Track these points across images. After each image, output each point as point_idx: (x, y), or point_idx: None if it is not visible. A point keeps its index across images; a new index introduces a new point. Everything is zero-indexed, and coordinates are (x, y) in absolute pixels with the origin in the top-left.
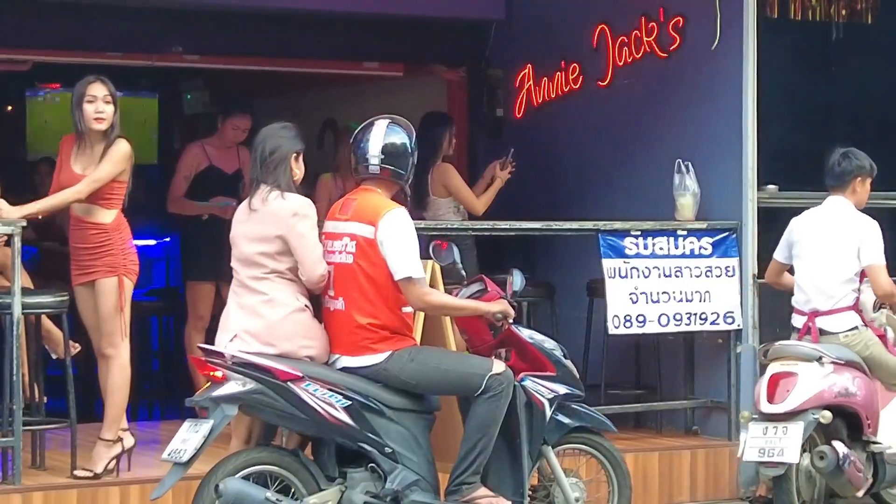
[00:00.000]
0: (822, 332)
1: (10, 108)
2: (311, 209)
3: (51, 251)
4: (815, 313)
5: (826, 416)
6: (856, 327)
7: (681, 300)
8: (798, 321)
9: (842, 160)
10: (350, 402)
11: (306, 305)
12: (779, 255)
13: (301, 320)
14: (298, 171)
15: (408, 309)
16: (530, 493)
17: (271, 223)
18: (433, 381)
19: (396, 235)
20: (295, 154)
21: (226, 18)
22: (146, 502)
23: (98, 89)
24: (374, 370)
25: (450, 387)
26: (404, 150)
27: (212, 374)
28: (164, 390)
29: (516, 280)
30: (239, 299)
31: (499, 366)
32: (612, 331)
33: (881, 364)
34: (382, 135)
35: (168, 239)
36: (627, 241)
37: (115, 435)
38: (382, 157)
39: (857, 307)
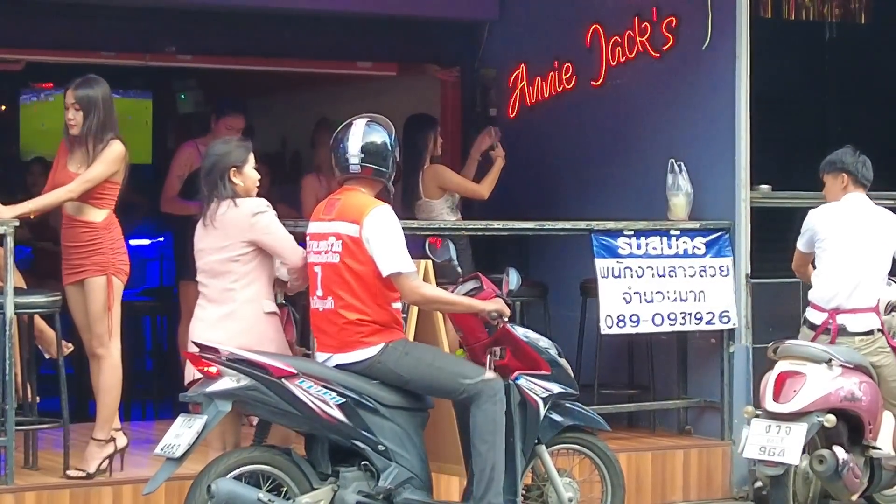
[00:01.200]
0: (841, 330)
1: (2, 107)
2: (267, 206)
3: (45, 251)
4: (836, 311)
5: (830, 420)
6: (872, 331)
7: (675, 300)
8: (817, 317)
9: (867, 161)
10: (344, 400)
11: (273, 312)
12: (802, 246)
13: (260, 330)
14: (242, 182)
15: (397, 305)
16: (524, 492)
17: (232, 231)
18: (426, 378)
19: (381, 232)
20: (234, 168)
21: (219, 18)
22: (139, 502)
23: (68, 96)
24: (368, 364)
25: (441, 386)
26: (384, 148)
27: (206, 369)
28: (158, 390)
29: (512, 279)
30: (203, 312)
31: (490, 373)
32: (604, 330)
33: (888, 379)
34: (361, 134)
35: (161, 238)
36: (621, 241)
37: (108, 435)
38: (363, 156)
39: (877, 308)
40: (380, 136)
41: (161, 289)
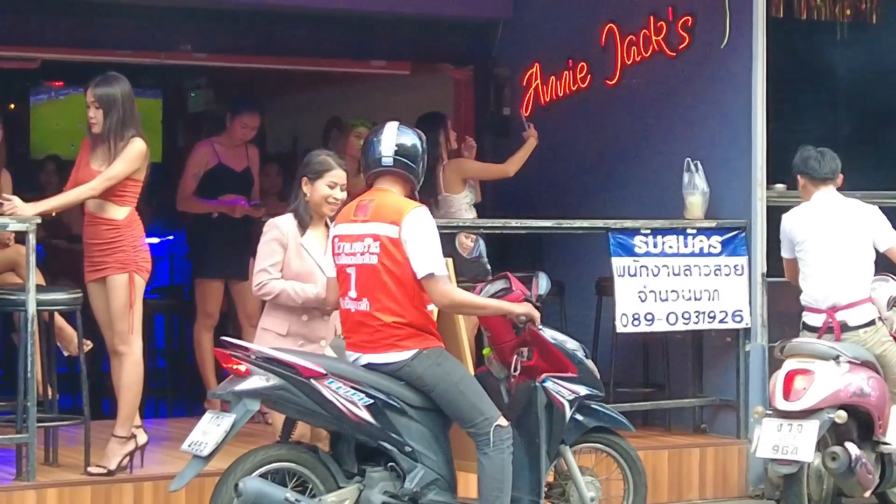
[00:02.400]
0: (843, 326)
1: (12, 106)
2: (271, 228)
3: (58, 249)
4: (833, 308)
5: (841, 416)
6: (874, 321)
7: (689, 298)
8: (815, 319)
9: (826, 155)
10: (372, 401)
11: (266, 328)
12: (785, 253)
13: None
14: (309, 193)
15: (431, 307)
16: (545, 490)
17: None
18: (447, 394)
19: (420, 233)
20: (305, 178)
21: (233, 16)
22: (160, 499)
23: (88, 94)
24: (397, 367)
25: (457, 408)
26: (415, 149)
27: (235, 367)
28: (170, 388)
29: (542, 283)
30: None
31: (503, 420)
32: (620, 329)
33: (895, 370)
34: (395, 133)
35: (171, 237)
36: (637, 240)
37: (129, 432)
38: (396, 148)
39: (872, 299)
40: (410, 139)
41: (172, 287)
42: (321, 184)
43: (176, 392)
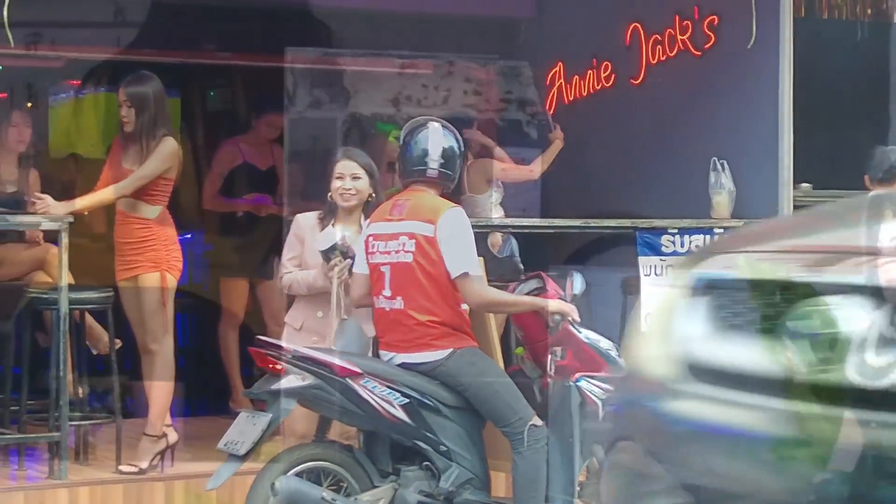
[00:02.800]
0: None
1: (29, 104)
2: (292, 223)
3: (80, 248)
4: None
5: None
6: None
7: None
8: None
9: (892, 155)
10: (408, 400)
11: (287, 324)
12: None
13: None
14: (332, 189)
15: (464, 306)
16: (577, 489)
17: None
18: (481, 394)
19: (455, 232)
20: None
21: (254, 15)
22: (191, 497)
23: (120, 93)
24: (432, 366)
25: (491, 408)
26: (452, 153)
27: (271, 366)
28: (191, 387)
29: (576, 283)
30: None
31: (538, 419)
32: (644, 329)
33: None
34: (441, 138)
35: (189, 236)
36: (664, 239)
37: (160, 430)
38: (442, 161)
39: None
40: (454, 141)
41: (190, 286)
42: (332, 178)
43: (197, 391)
